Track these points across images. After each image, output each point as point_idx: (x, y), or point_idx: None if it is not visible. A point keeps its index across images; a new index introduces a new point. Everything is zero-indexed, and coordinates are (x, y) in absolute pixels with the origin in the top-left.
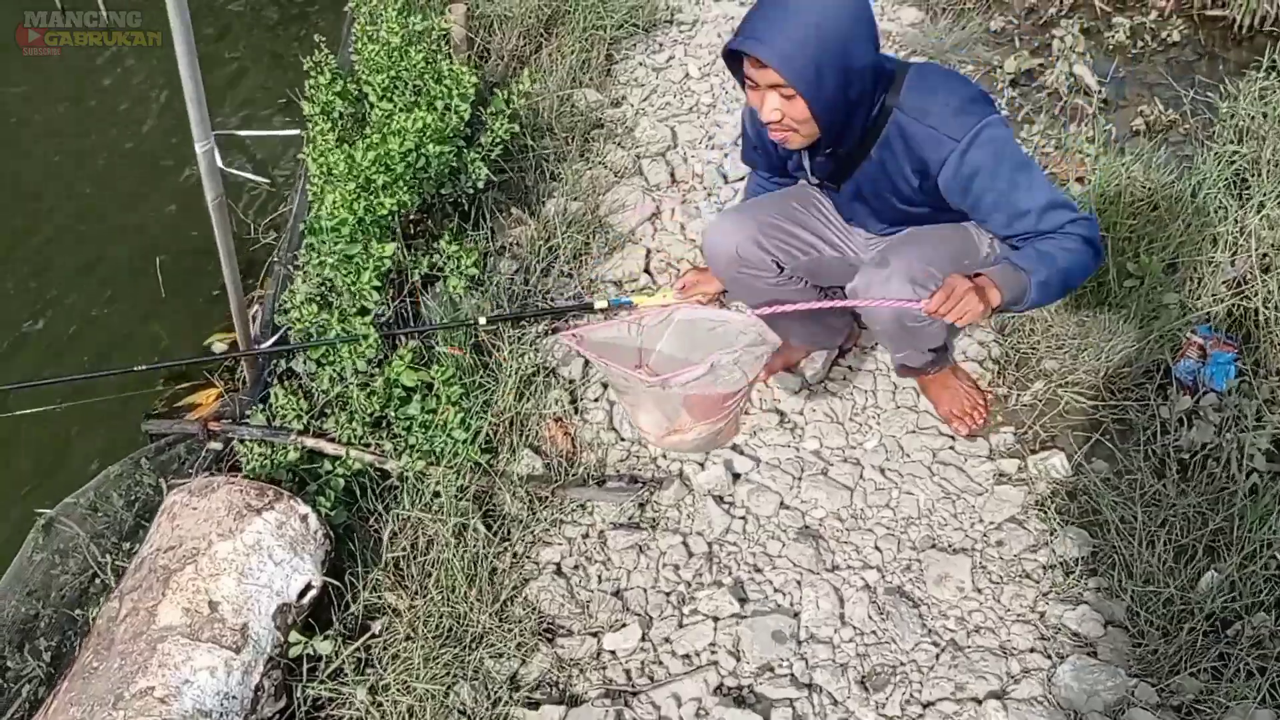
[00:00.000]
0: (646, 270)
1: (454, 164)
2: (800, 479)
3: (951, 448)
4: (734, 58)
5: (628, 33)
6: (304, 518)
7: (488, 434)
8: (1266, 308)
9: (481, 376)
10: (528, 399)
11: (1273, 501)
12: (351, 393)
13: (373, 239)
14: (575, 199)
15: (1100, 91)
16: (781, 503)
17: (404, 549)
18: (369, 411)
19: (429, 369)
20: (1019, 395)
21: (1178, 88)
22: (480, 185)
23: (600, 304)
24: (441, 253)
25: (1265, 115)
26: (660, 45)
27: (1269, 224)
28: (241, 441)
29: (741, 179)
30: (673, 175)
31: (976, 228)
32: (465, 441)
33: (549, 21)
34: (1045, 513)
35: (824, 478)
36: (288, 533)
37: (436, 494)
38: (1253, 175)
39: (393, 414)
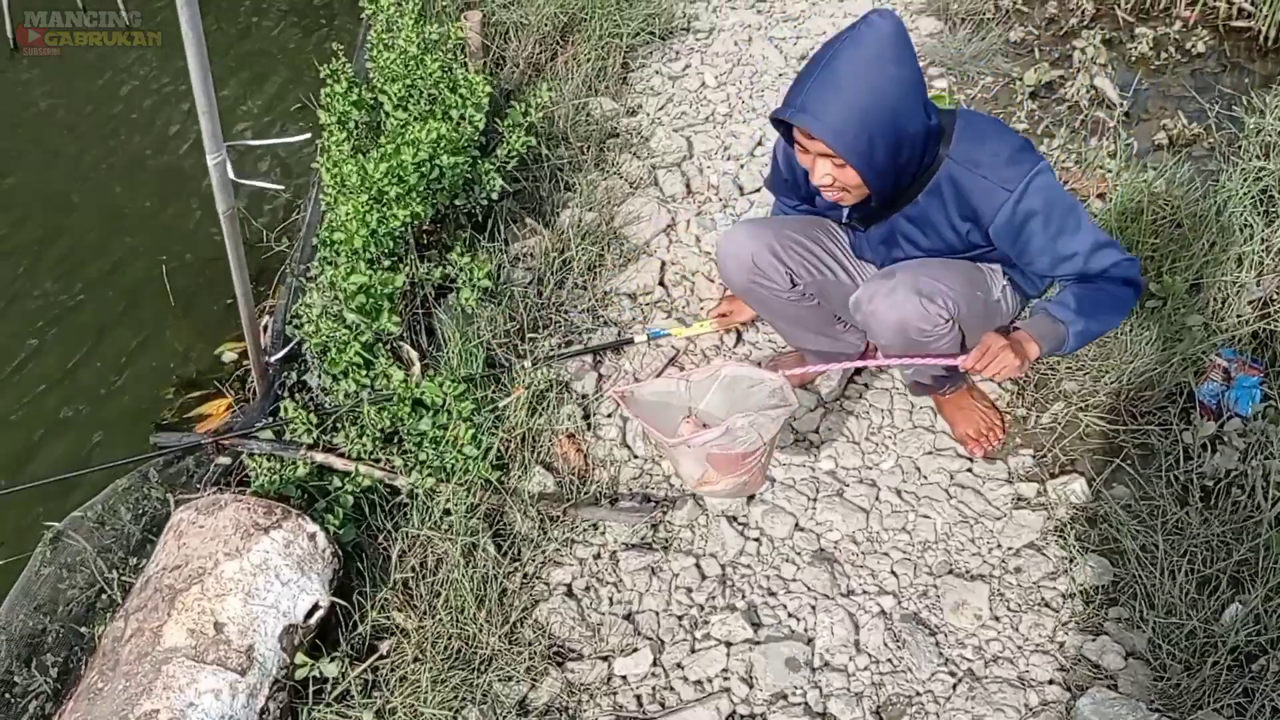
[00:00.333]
0: (661, 283)
1: (468, 175)
2: (815, 500)
3: (969, 470)
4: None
5: (644, 40)
6: (312, 536)
7: (499, 450)
8: None
9: (494, 392)
10: (540, 414)
11: None
12: (363, 407)
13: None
14: (590, 209)
15: (1122, 104)
16: (796, 524)
17: (413, 568)
18: (380, 427)
19: (441, 385)
20: (1038, 417)
21: (1201, 101)
22: (495, 196)
23: (640, 338)
24: (454, 264)
25: None
26: (677, 53)
27: None
28: (251, 455)
29: (757, 190)
30: (688, 186)
31: (989, 268)
32: (476, 458)
33: (565, 29)
34: (1065, 539)
35: (839, 499)
36: (295, 552)
37: (447, 512)
38: (1279, 192)
39: (404, 429)
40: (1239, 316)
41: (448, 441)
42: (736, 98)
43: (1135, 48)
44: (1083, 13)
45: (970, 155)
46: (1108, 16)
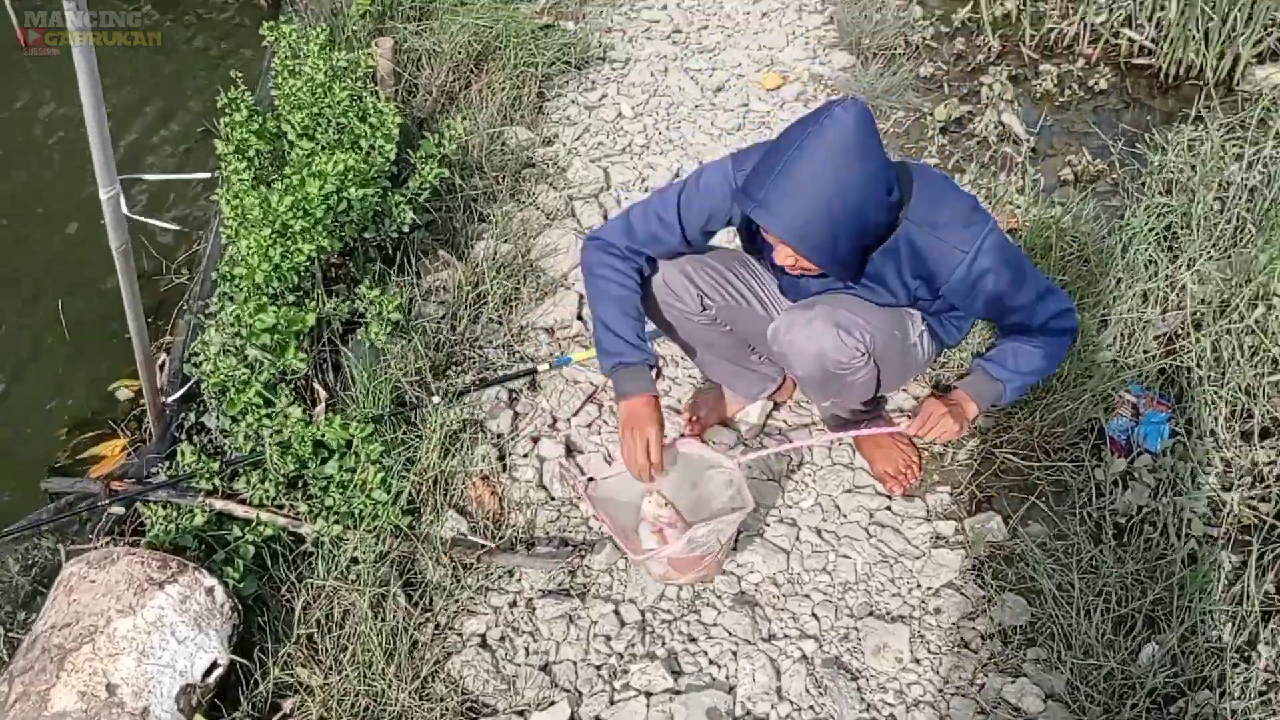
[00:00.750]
0: (579, 317)
1: (378, 207)
2: (736, 541)
3: (888, 508)
4: None
5: (559, 70)
6: (210, 590)
7: (410, 494)
8: (1199, 366)
9: (404, 433)
10: (453, 455)
11: (1211, 570)
12: (266, 450)
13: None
14: (505, 241)
15: (1028, 140)
16: None
17: (318, 621)
18: (283, 471)
19: (347, 427)
20: (954, 454)
21: (1104, 137)
22: (406, 229)
23: (543, 367)
24: (363, 298)
25: (1194, 168)
26: (593, 83)
27: (1199, 279)
28: (145, 503)
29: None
30: (605, 218)
31: (908, 312)
32: (386, 503)
33: (479, 57)
34: (983, 578)
35: (760, 540)
36: (192, 607)
37: (354, 560)
38: (1183, 229)
39: (309, 473)
40: (1146, 352)
41: (355, 486)
42: (654, 129)
43: (1040, 84)
44: (989, 49)
45: (928, 217)
46: (1013, 53)
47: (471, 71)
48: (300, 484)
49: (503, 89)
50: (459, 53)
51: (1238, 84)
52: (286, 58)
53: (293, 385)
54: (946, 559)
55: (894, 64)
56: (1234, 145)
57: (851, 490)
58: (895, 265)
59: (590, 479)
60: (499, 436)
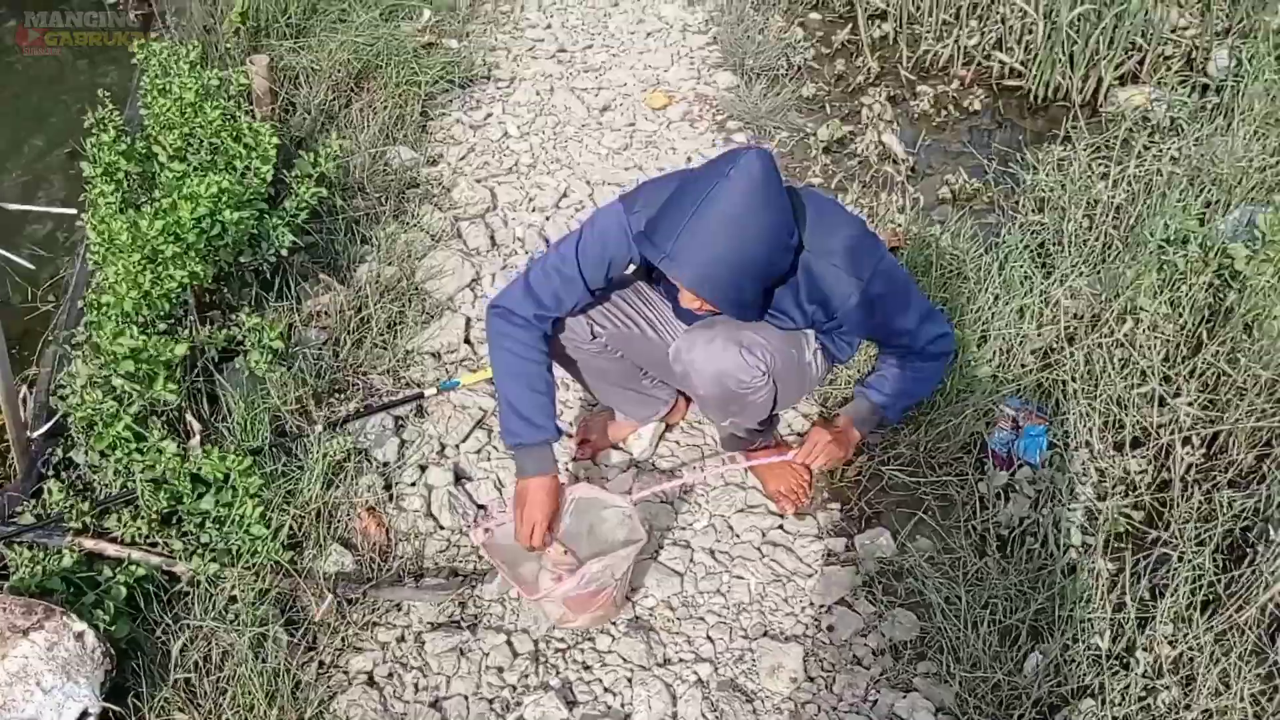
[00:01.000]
0: (467, 340)
1: (254, 230)
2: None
3: (781, 527)
4: None
5: (443, 88)
6: (79, 636)
7: (291, 528)
8: (1073, 380)
9: (285, 465)
10: (337, 486)
11: (1090, 579)
12: (138, 487)
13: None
14: (389, 264)
15: (908, 160)
16: None
17: (195, 664)
18: (157, 508)
19: (224, 460)
20: (843, 471)
21: (979, 156)
22: (284, 252)
23: (430, 392)
24: (240, 325)
25: (1063, 186)
26: (478, 102)
27: (1072, 295)
28: (9, 545)
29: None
30: (493, 239)
31: (803, 332)
32: (265, 538)
33: (359, 75)
34: (874, 594)
35: (654, 563)
36: (60, 655)
37: (233, 599)
38: (1055, 246)
39: (184, 509)
40: (1023, 366)
41: (233, 521)
42: (540, 148)
43: (917, 105)
44: (869, 70)
45: (823, 245)
46: (891, 74)
47: (352, 90)
48: (175, 520)
49: (385, 108)
50: (338, 70)
51: (1101, 105)
52: (157, 76)
53: (165, 418)
54: (838, 576)
55: (777, 85)
56: (1100, 165)
57: (744, 510)
58: (794, 294)
59: (487, 529)
60: (385, 465)
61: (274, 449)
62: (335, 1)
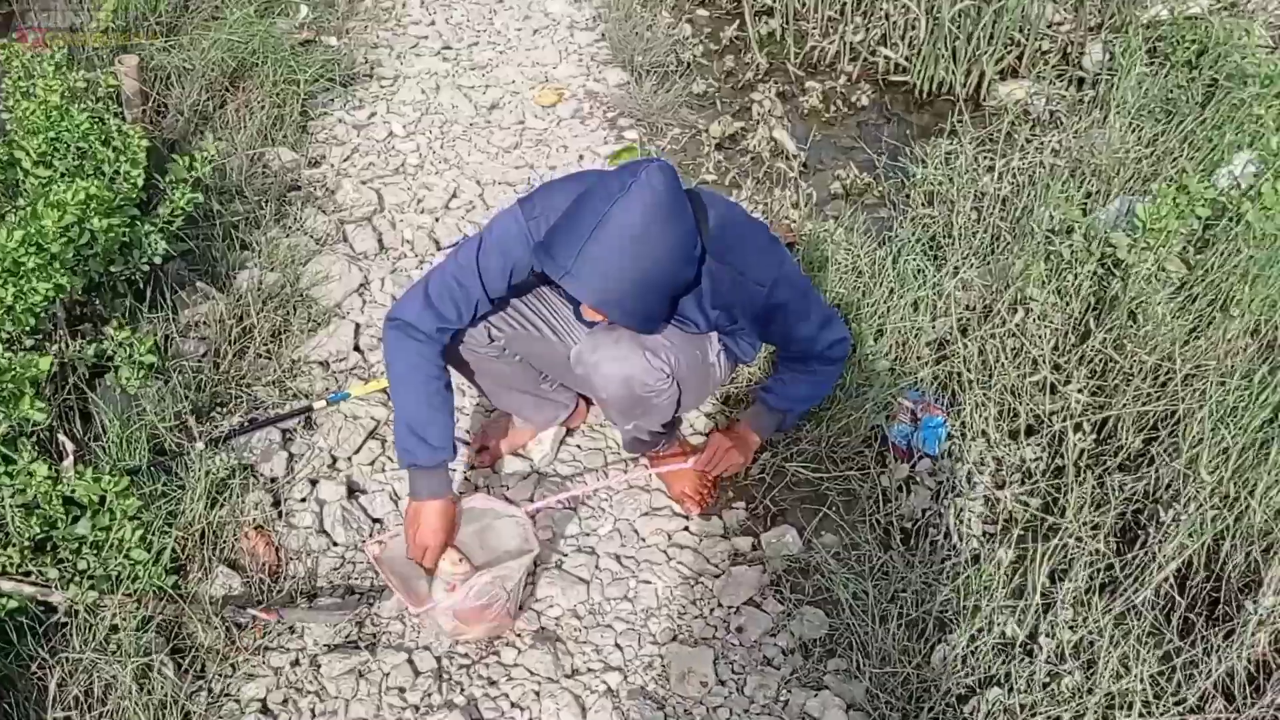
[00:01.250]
0: (356, 348)
1: (125, 239)
2: (534, 575)
3: (686, 529)
4: None
5: (324, 87)
6: None
7: (175, 551)
8: (968, 369)
9: (166, 485)
10: (222, 505)
11: (992, 569)
12: (8, 513)
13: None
14: (272, 270)
15: (799, 155)
16: None
17: (75, 699)
18: (29, 535)
19: (99, 481)
20: (747, 470)
21: (869, 151)
22: (158, 260)
23: (319, 404)
24: (111, 339)
25: (951, 180)
26: (361, 101)
27: (963, 286)
28: None
29: (456, 244)
30: (380, 242)
31: (706, 336)
32: (147, 563)
33: (234, 75)
34: (782, 593)
35: (559, 571)
36: None
37: (114, 628)
38: (946, 239)
39: (58, 535)
40: (919, 358)
41: (111, 546)
42: (427, 148)
43: (807, 101)
44: (758, 67)
45: (726, 251)
46: (780, 71)
47: (227, 90)
48: (50, 547)
49: (262, 108)
50: (212, 70)
51: (984, 99)
52: (19, 79)
53: (35, 439)
54: (746, 576)
55: (667, 81)
56: (985, 158)
57: (649, 513)
58: (697, 300)
59: (381, 542)
60: (273, 481)
61: (153, 468)
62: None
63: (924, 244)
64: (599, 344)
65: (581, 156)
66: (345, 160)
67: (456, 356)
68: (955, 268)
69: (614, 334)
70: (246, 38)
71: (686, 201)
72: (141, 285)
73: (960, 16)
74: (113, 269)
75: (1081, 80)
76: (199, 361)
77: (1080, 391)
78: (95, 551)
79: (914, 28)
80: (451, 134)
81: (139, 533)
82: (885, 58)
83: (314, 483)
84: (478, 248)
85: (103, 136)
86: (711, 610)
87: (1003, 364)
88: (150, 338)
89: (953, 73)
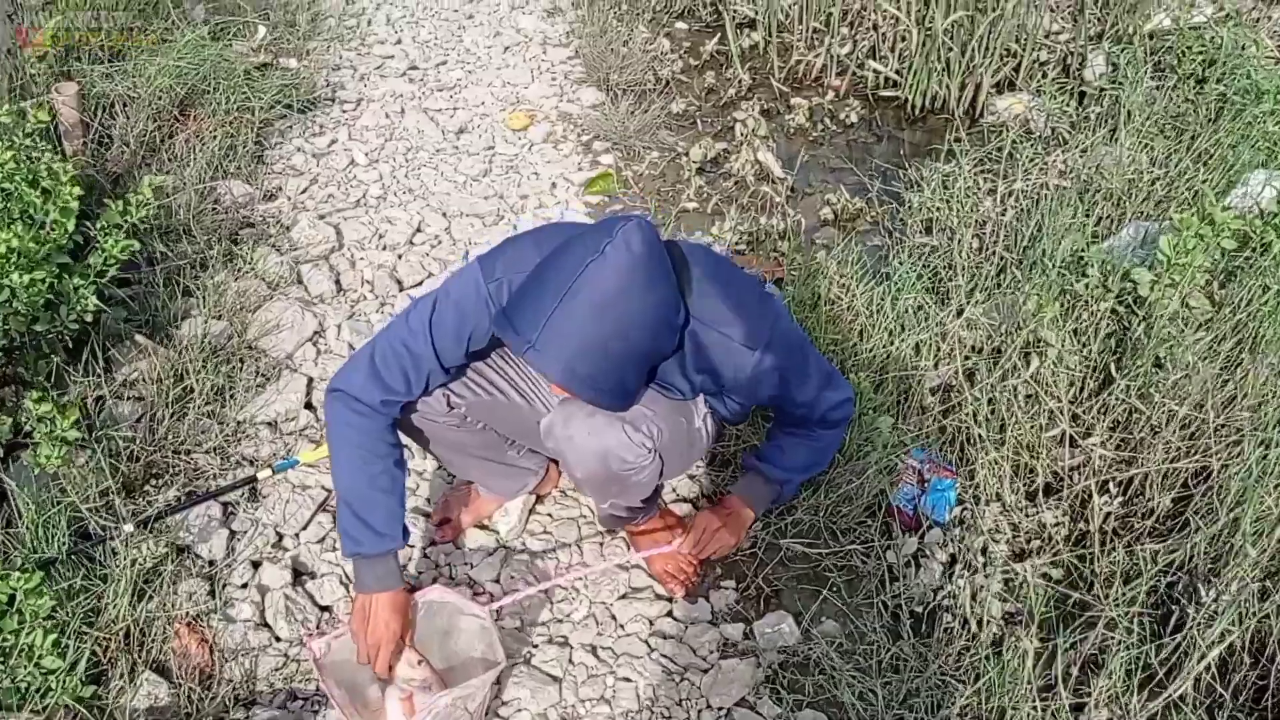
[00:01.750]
0: (309, 405)
1: (49, 295)
2: (500, 692)
3: (670, 614)
4: None
5: (279, 114)
6: None
7: (94, 655)
8: (977, 423)
9: (86, 576)
10: (150, 598)
11: (1017, 660)
12: None
13: None
14: (219, 318)
15: (786, 179)
16: None
17: None
18: None
19: (7, 578)
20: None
21: (859, 174)
22: (88, 318)
23: (264, 474)
24: (29, 413)
25: (949, 204)
26: (321, 127)
27: (969, 325)
28: None
29: (418, 284)
30: (338, 283)
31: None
32: (60, 672)
33: (184, 102)
34: (778, 692)
35: (528, 668)
36: None
37: None
38: (946, 269)
39: None
40: (923, 409)
41: (20, 653)
42: (390, 177)
43: (793, 119)
44: (740, 83)
45: (712, 313)
46: (764, 87)
47: (176, 119)
48: None
49: (214, 138)
50: (159, 98)
51: (981, 114)
52: None
53: None
54: (737, 671)
55: (644, 100)
56: (986, 179)
57: (628, 595)
58: (680, 365)
59: (324, 643)
60: (211, 564)
61: (74, 556)
62: (157, 19)
63: (924, 278)
64: (571, 415)
65: (554, 184)
66: (303, 192)
67: (409, 424)
68: (960, 306)
69: (588, 404)
70: (196, 62)
71: (667, 262)
72: (69, 343)
73: (954, 27)
74: (36, 328)
75: (1083, 94)
76: (133, 427)
77: (1103, 445)
78: (2, 659)
79: (904, 39)
80: (416, 161)
81: (51, 637)
82: (874, 71)
83: (256, 565)
84: (431, 310)
85: (30, 177)
86: (699, 713)
87: (1016, 415)
88: (73, 412)
89: (947, 86)
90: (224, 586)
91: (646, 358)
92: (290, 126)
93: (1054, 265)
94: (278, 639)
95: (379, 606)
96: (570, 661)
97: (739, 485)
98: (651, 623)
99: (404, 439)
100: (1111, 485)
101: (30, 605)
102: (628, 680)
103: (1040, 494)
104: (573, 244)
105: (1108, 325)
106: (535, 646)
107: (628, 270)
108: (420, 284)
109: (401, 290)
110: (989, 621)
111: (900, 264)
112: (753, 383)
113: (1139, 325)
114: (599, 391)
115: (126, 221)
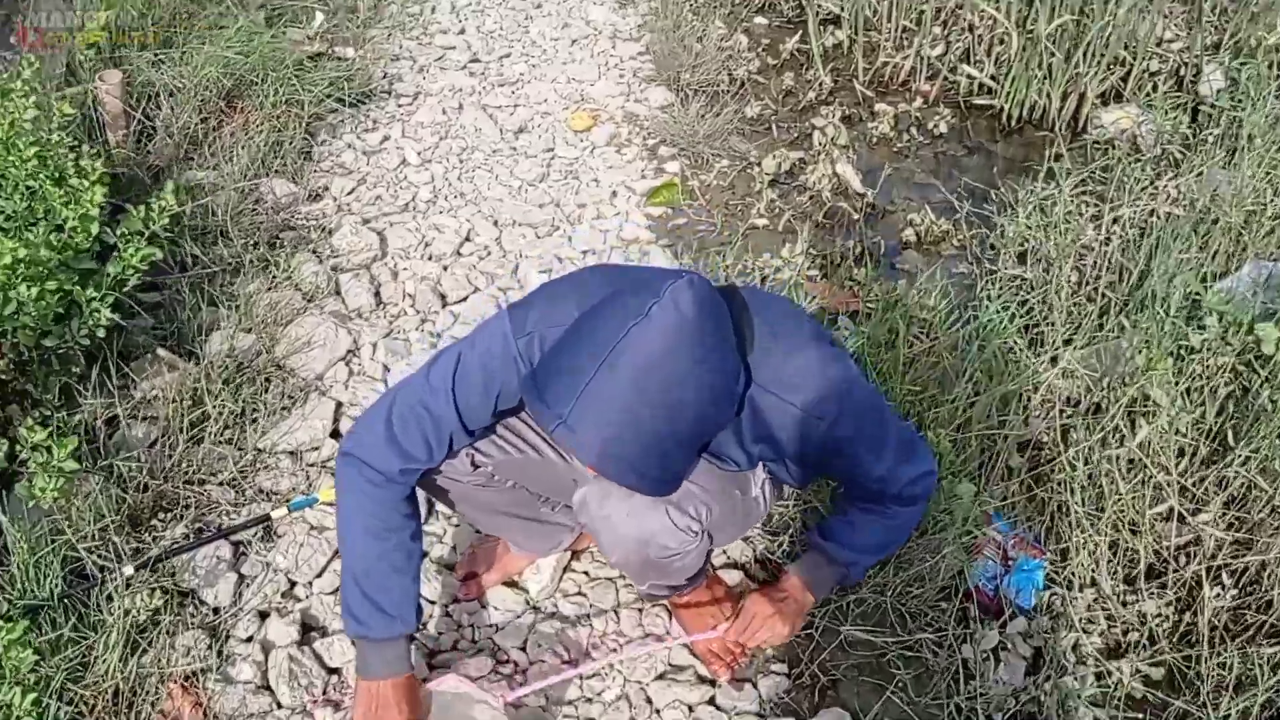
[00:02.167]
0: (335, 434)
1: (59, 309)
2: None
3: (712, 700)
4: None
5: (331, 107)
6: None
7: (77, 716)
8: (1071, 493)
9: (78, 624)
10: (144, 651)
11: None
12: None
13: None
14: (248, 330)
15: (866, 195)
16: None
17: None
18: None
19: None
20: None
21: (945, 192)
22: (100, 333)
23: (279, 513)
24: (25, 441)
25: (1047, 232)
26: (374, 122)
27: (1064, 374)
28: None
29: (463, 299)
30: (378, 295)
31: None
32: None
33: (230, 94)
34: None
35: (521, 689)
36: None
37: None
38: (1040, 306)
39: None
40: (1009, 473)
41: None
42: (442, 179)
43: (876, 127)
44: (820, 85)
45: (775, 375)
46: (846, 90)
47: (223, 111)
48: None
49: (260, 132)
50: (206, 89)
51: (1084, 129)
52: None
53: None
54: None
55: (717, 102)
56: (1089, 204)
57: (666, 676)
58: (735, 433)
59: (329, 700)
60: (215, 613)
61: (66, 602)
62: (211, 3)
63: (1016, 317)
64: (608, 494)
65: (615, 193)
66: (349, 193)
67: (431, 483)
68: (1056, 354)
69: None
70: (247, 52)
71: (726, 322)
72: (81, 358)
73: (1058, 31)
74: (46, 343)
75: (1197, 110)
76: (145, 452)
77: (1215, 524)
78: None
79: (1002, 42)
80: (471, 163)
81: (31, 696)
82: (968, 76)
83: (264, 615)
84: (455, 366)
85: (54, 175)
86: None
87: (1117, 485)
88: (71, 442)
89: (1047, 95)
90: (226, 639)
91: (698, 438)
92: (342, 121)
93: (1166, 311)
94: (279, 704)
95: (388, 694)
96: None
97: (800, 564)
98: (690, 710)
99: (425, 495)
100: (1224, 574)
101: (11, 659)
102: None
103: (1141, 579)
104: (615, 302)
105: (1226, 384)
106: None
107: (676, 335)
108: (465, 299)
109: (444, 306)
110: None
111: (990, 300)
112: (820, 456)
113: (1262, 386)
114: (641, 478)
115: (149, 228)
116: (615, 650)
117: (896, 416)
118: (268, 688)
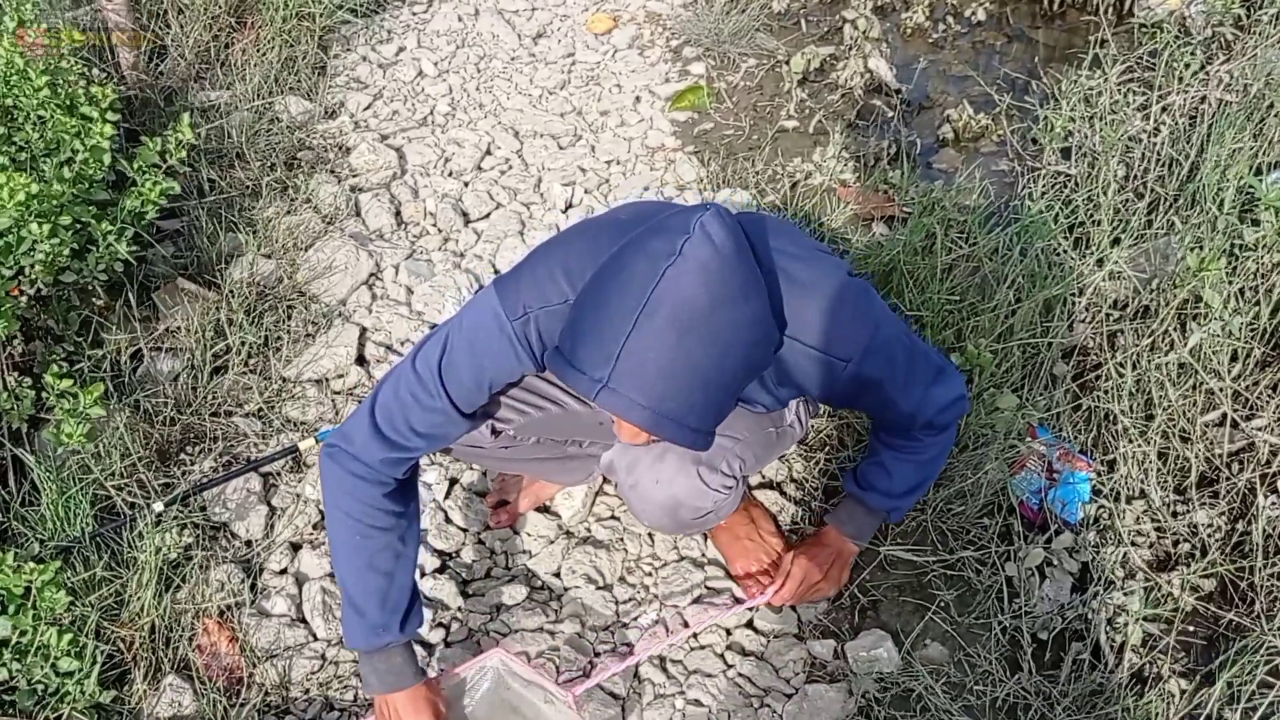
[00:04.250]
0: (360, 360)
1: (74, 244)
2: (556, 685)
3: (751, 624)
4: None
5: (344, 19)
6: None
7: (116, 652)
8: (1117, 401)
9: (110, 562)
10: (179, 586)
11: (1161, 702)
12: None
13: None
14: (268, 256)
15: (900, 91)
16: None
17: None
18: None
19: (20, 569)
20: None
21: (984, 84)
22: (118, 267)
23: (306, 444)
24: (51, 388)
25: (1093, 124)
26: (389, 33)
27: (1111, 276)
28: None
29: (486, 216)
30: (398, 215)
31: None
32: (78, 675)
33: (240, 9)
34: None
35: (586, 681)
36: None
37: None
38: (1085, 204)
39: None
40: (1053, 381)
41: (34, 652)
42: (460, 90)
43: (910, 17)
44: None
45: (797, 319)
46: None
47: (233, 27)
48: None
49: (272, 47)
50: (215, 4)
51: (1130, 11)
52: None
53: None
54: (825, 698)
55: None
56: (1136, 92)
57: (703, 598)
58: (759, 381)
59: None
60: (248, 545)
61: (97, 541)
62: None
63: (1058, 219)
64: (636, 459)
65: (638, 98)
66: (365, 109)
67: (462, 452)
68: (1104, 255)
69: (659, 446)
70: None
71: (751, 257)
72: (100, 292)
73: None
74: (64, 279)
75: None
76: (171, 384)
77: (1270, 430)
78: (19, 659)
79: None
80: (489, 72)
81: (68, 636)
82: None
83: (296, 548)
84: (441, 352)
85: (65, 104)
86: None
87: (1167, 392)
88: (98, 388)
89: None
90: (260, 572)
91: (746, 379)
92: (355, 33)
93: (1218, 206)
94: (315, 637)
95: (397, 708)
96: (636, 678)
97: (838, 515)
98: (728, 634)
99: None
100: None
101: (45, 599)
102: (698, 704)
103: (1193, 489)
104: (635, 248)
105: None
106: (597, 656)
107: (716, 271)
108: (487, 215)
109: (467, 224)
110: (1130, 649)
111: (1032, 199)
112: (847, 394)
113: None
114: (695, 433)
115: (166, 161)
116: (672, 633)
117: (923, 344)
118: (303, 620)
